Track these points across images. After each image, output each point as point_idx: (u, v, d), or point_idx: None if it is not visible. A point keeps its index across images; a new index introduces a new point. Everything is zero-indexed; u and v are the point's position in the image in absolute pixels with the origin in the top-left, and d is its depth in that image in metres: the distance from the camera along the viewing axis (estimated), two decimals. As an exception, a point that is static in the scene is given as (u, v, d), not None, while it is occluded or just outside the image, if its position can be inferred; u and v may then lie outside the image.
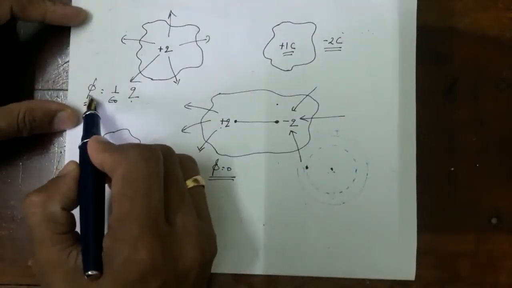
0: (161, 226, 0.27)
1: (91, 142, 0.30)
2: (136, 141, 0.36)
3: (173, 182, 0.29)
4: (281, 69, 0.36)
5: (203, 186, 0.32)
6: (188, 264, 0.28)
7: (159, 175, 0.28)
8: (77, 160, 0.31)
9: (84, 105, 0.36)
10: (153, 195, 0.27)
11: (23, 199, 0.29)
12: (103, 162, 0.29)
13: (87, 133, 0.32)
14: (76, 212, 0.29)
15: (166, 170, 0.29)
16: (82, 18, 0.36)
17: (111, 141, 0.31)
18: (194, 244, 0.28)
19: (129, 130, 0.36)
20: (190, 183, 0.31)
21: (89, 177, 0.30)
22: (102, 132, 0.35)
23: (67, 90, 0.36)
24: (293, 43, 0.36)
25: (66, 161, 0.35)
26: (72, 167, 0.30)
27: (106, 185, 0.30)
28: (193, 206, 0.30)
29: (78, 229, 0.29)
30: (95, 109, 0.34)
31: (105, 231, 0.28)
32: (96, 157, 0.29)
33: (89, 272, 0.27)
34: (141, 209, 0.27)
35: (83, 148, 0.30)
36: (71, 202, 0.29)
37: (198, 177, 0.31)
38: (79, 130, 0.36)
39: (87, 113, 0.34)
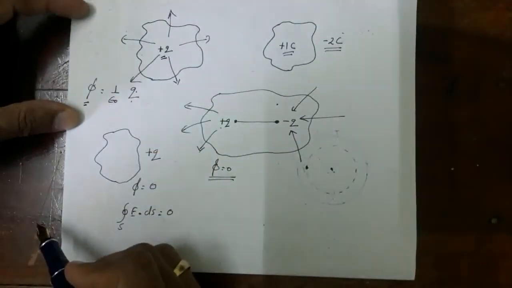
0: None
1: (69, 268, 0.29)
2: (136, 141, 0.36)
3: (167, 277, 0.28)
4: (281, 69, 0.36)
5: (189, 268, 0.31)
6: None
7: (159, 277, 0.28)
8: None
9: (82, 105, 0.36)
10: None
11: None
12: (95, 283, 0.27)
13: (55, 263, 0.30)
14: None
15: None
16: (84, 10, 0.36)
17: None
18: None
19: (129, 130, 0.36)
20: (177, 271, 0.30)
21: None
22: (102, 131, 0.35)
23: (67, 90, 0.36)
24: (293, 43, 0.36)
25: (66, 161, 0.36)
26: None
27: None
28: None
29: None
30: (50, 236, 0.32)
31: None
32: (85, 281, 0.28)
33: None
34: None
35: (59, 279, 0.29)
36: None
37: (182, 263, 0.31)
38: (79, 130, 0.36)
39: (44, 243, 0.31)
